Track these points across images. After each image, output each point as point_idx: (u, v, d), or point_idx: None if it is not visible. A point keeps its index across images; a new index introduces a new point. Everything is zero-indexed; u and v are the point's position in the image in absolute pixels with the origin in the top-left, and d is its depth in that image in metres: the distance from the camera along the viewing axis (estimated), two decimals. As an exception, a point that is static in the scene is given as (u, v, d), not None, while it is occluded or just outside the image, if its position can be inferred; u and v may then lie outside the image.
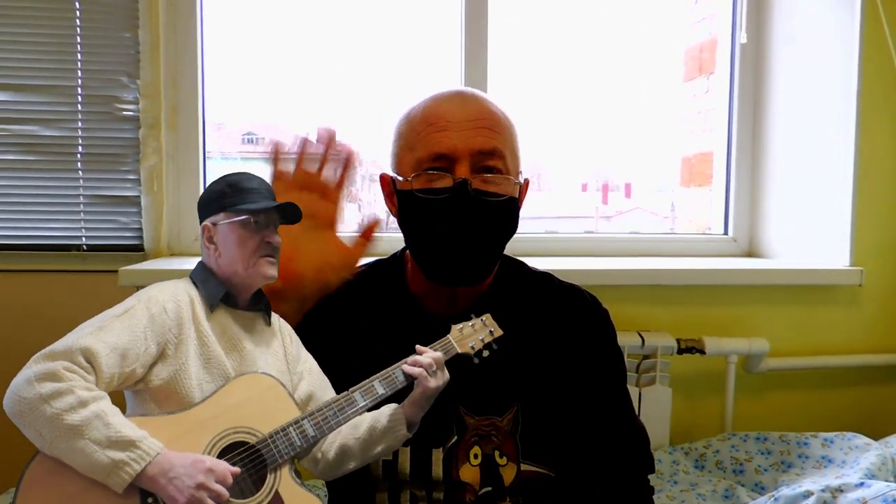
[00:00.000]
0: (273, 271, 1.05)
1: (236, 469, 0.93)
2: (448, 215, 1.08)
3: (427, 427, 1.09)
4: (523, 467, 1.12)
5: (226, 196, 1.04)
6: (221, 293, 1.04)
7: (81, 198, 1.76)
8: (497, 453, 1.12)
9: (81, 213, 1.77)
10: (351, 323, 1.18)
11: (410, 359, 1.02)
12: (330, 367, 1.10)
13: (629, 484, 1.13)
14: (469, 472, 1.11)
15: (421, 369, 1.00)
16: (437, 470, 1.11)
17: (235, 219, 1.03)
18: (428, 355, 1.02)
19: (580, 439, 1.14)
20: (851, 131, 1.80)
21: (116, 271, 1.55)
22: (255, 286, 1.06)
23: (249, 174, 1.08)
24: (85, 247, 1.77)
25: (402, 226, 1.16)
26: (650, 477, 1.17)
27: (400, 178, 1.14)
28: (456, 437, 1.12)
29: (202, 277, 1.05)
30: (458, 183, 1.08)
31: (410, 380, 1.02)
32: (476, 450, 1.12)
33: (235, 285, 1.05)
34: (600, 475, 1.12)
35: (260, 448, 0.97)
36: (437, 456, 1.11)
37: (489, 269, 1.16)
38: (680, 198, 2.44)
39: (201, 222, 1.06)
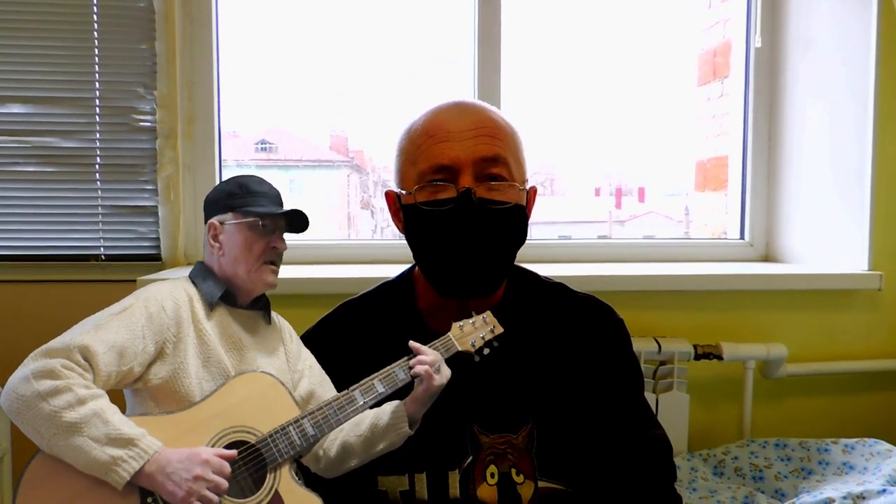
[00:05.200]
0: (273, 279, 1.05)
1: (233, 452, 0.93)
2: (454, 226, 1.07)
3: (441, 449, 1.09)
4: (541, 484, 1.11)
5: (235, 196, 1.05)
6: (220, 292, 1.04)
7: (99, 208, 1.78)
8: (514, 471, 1.11)
9: (100, 223, 1.78)
10: (357, 348, 1.16)
11: (415, 359, 1.01)
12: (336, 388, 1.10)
13: (653, 496, 1.12)
14: (486, 492, 1.10)
15: (426, 367, 0.99)
16: (455, 492, 1.10)
17: (244, 220, 1.03)
18: (432, 353, 1.02)
19: (599, 453, 1.13)
20: (869, 134, 1.78)
21: (134, 280, 1.56)
22: (256, 292, 1.07)
23: (259, 178, 1.08)
24: (103, 256, 1.79)
25: (409, 241, 1.14)
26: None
27: (404, 193, 1.13)
28: (471, 458, 1.11)
29: (202, 276, 1.06)
30: (462, 192, 1.06)
31: (410, 378, 1.01)
32: (492, 469, 1.11)
33: (236, 286, 1.05)
34: (622, 488, 1.11)
35: (260, 447, 0.97)
36: (454, 478, 1.10)
37: (499, 280, 1.15)
38: (694, 202, 2.43)
39: (207, 220, 1.06)
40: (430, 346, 1.04)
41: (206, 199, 1.09)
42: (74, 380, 0.89)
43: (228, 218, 1.05)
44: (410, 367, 1.01)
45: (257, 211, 1.03)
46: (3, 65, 1.74)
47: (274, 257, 1.05)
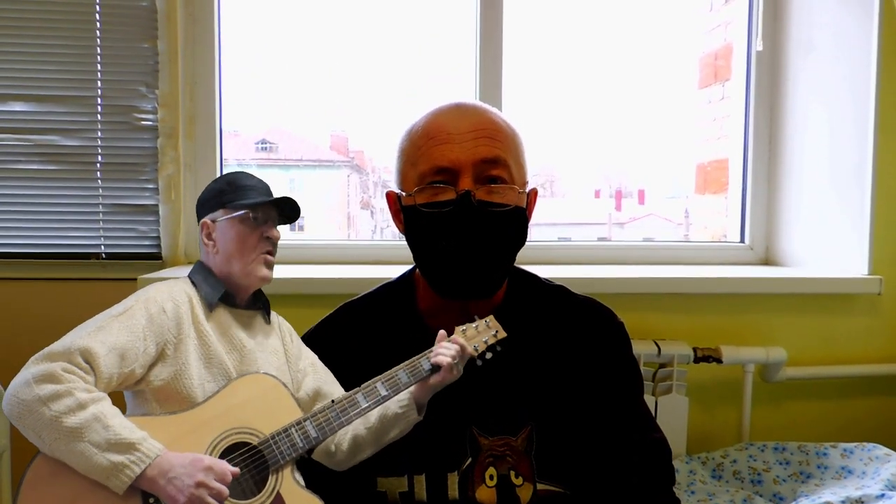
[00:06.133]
0: (268, 272, 1.06)
1: (236, 469, 0.93)
2: (453, 228, 1.07)
3: (441, 451, 1.10)
4: (539, 487, 1.11)
5: (224, 193, 1.06)
6: (220, 292, 1.04)
7: (100, 206, 1.78)
8: (512, 473, 1.11)
9: (100, 222, 1.78)
10: (357, 349, 1.17)
11: (439, 347, 1.01)
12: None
13: (652, 499, 1.12)
14: (485, 494, 1.10)
15: (448, 360, 0.99)
16: (454, 494, 1.10)
17: (234, 214, 1.04)
18: (454, 347, 1.01)
19: (598, 455, 1.13)
20: (869, 138, 1.78)
21: (135, 279, 1.56)
22: (252, 287, 1.07)
23: (247, 173, 1.09)
24: (104, 255, 1.79)
25: (410, 242, 1.14)
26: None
27: (404, 194, 1.13)
28: (470, 460, 1.11)
29: (201, 277, 1.06)
30: (462, 195, 1.06)
31: (413, 381, 1.01)
32: (491, 471, 1.11)
33: (233, 284, 1.05)
34: (621, 491, 1.11)
35: (262, 449, 0.97)
36: (453, 480, 1.11)
37: (499, 282, 1.15)
38: (694, 205, 2.43)
39: (199, 220, 1.07)
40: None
41: (197, 201, 1.09)
42: (75, 383, 0.89)
43: (219, 215, 1.05)
44: (430, 359, 1.01)
45: (246, 203, 1.04)
46: (6, 63, 1.74)
47: (269, 247, 1.06)
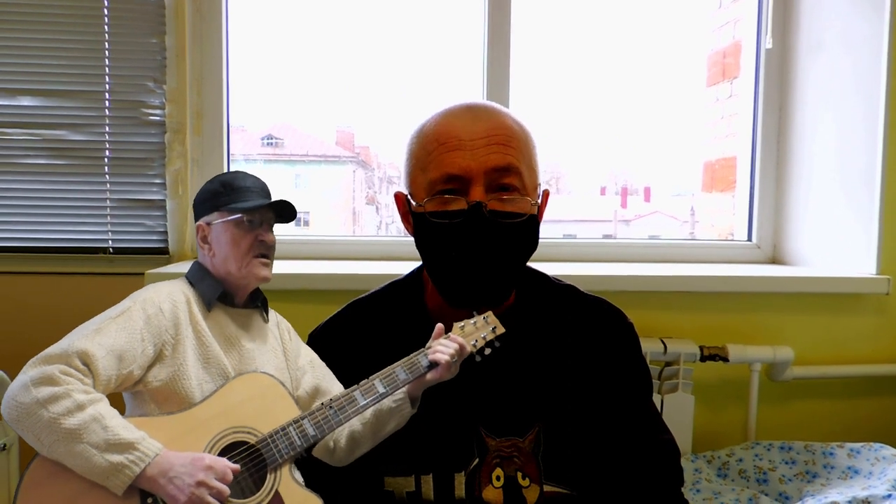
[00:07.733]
0: (266, 272, 1.05)
1: (236, 466, 0.93)
2: (463, 240, 1.05)
3: (448, 451, 1.09)
4: (546, 488, 1.11)
5: (219, 195, 1.05)
6: (218, 292, 1.04)
7: (108, 201, 1.79)
8: (519, 475, 1.10)
9: (108, 217, 1.79)
10: (365, 346, 1.16)
11: (437, 344, 1.01)
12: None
13: (660, 500, 1.12)
14: (492, 494, 1.10)
15: (446, 358, 0.99)
16: (461, 494, 1.10)
17: (228, 218, 1.03)
18: (452, 345, 1.01)
19: (606, 457, 1.12)
20: (878, 137, 1.77)
21: (142, 274, 1.57)
22: (250, 287, 1.06)
23: (244, 173, 1.08)
24: (111, 249, 1.79)
25: (419, 249, 1.13)
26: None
27: (413, 202, 1.11)
28: (477, 460, 1.11)
29: (198, 277, 1.06)
30: (473, 206, 1.04)
31: (412, 378, 1.01)
32: (498, 472, 1.10)
33: (230, 285, 1.05)
34: (628, 492, 1.11)
35: (260, 448, 0.97)
36: (460, 480, 1.10)
37: (509, 291, 1.14)
38: (701, 202, 2.43)
39: (196, 222, 1.07)
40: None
41: (193, 202, 1.09)
42: (73, 385, 0.89)
43: (214, 218, 1.05)
44: (428, 355, 1.01)
45: (240, 207, 1.03)
46: (15, 57, 1.74)
47: (263, 250, 1.05)
